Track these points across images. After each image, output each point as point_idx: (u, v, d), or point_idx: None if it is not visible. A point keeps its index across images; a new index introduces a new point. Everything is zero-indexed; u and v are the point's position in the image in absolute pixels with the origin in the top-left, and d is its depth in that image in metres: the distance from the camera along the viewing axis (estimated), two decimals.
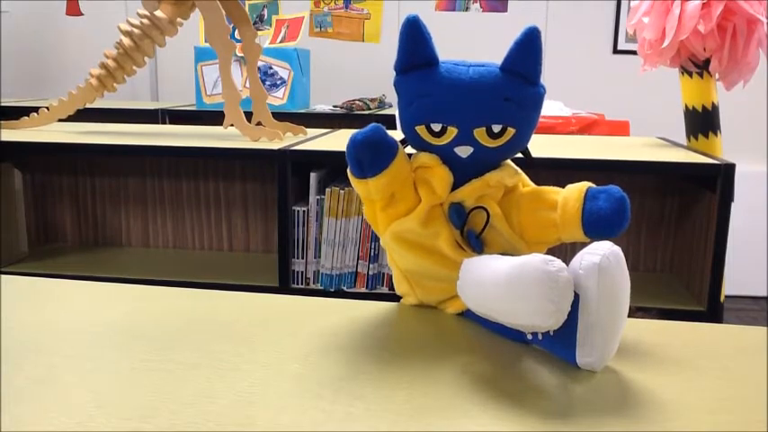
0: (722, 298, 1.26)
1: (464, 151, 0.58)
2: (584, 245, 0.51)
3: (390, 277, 1.35)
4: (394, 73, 0.60)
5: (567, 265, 0.48)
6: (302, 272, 1.39)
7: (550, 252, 0.53)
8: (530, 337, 0.53)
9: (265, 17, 2.64)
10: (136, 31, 1.40)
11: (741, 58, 1.38)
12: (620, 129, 2.16)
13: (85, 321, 0.58)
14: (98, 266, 1.50)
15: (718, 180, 1.20)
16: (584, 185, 0.57)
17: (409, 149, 0.61)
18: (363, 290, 1.39)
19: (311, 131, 1.59)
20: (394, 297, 0.65)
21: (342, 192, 1.35)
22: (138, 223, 1.64)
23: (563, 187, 0.59)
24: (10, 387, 0.46)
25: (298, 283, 1.39)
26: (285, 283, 1.36)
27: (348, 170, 0.58)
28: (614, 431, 0.42)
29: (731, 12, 1.34)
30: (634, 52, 1.60)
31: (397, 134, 0.63)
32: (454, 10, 3.01)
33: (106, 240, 1.66)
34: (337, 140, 1.49)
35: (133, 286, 0.68)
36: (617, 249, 0.49)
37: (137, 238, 1.65)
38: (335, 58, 3.04)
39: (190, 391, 0.45)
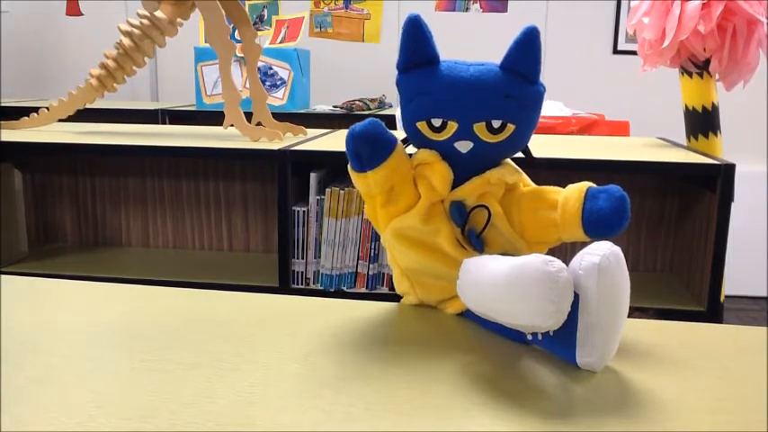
0: (722, 298, 1.26)
1: (464, 146, 0.58)
2: (584, 245, 0.51)
3: (390, 277, 1.36)
4: (394, 73, 0.61)
5: (567, 266, 0.48)
6: (302, 272, 1.39)
7: (550, 252, 0.53)
8: (530, 337, 0.53)
9: (265, 17, 2.64)
10: (136, 31, 1.40)
11: (741, 58, 1.38)
12: (620, 129, 2.16)
13: (85, 321, 0.58)
14: (98, 266, 1.50)
15: (718, 180, 1.20)
16: (584, 185, 0.57)
17: (410, 149, 0.61)
18: (363, 290, 1.39)
19: (311, 132, 1.59)
20: (394, 297, 0.65)
21: (342, 192, 1.35)
22: (138, 223, 1.64)
23: (563, 187, 0.59)
24: (10, 387, 0.46)
25: (298, 284, 1.39)
26: (285, 284, 1.36)
27: (348, 166, 0.59)
28: (614, 431, 0.42)
29: (731, 12, 1.34)
30: (634, 52, 1.60)
31: (397, 134, 0.63)
32: (454, 10, 3.01)
33: (106, 240, 1.66)
34: (337, 141, 1.49)
35: (133, 286, 0.68)
36: (617, 249, 0.49)
37: (137, 238, 1.65)
38: (335, 59, 3.04)
39: (190, 391, 0.45)
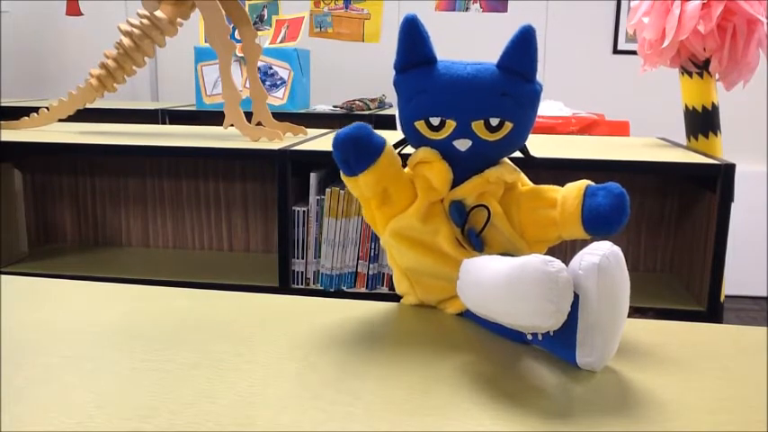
0: (722, 298, 1.26)
1: (463, 144, 0.58)
2: (584, 244, 0.51)
3: (390, 277, 1.36)
4: (394, 73, 0.61)
5: (567, 266, 0.48)
6: (302, 272, 1.39)
7: (550, 252, 0.53)
8: (530, 337, 0.53)
9: (265, 17, 2.64)
10: (136, 31, 1.40)
11: (741, 58, 1.38)
12: (620, 129, 2.16)
13: (85, 321, 0.58)
14: (98, 266, 1.50)
15: (718, 180, 1.20)
16: (583, 183, 0.58)
17: (409, 149, 0.61)
18: (363, 290, 1.39)
19: (311, 131, 1.59)
20: (394, 297, 0.65)
21: (342, 192, 1.35)
22: (138, 223, 1.64)
23: (562, 187, 0.59)
24: (10, 387, 0.46)
25: (298, 284, 1.39)
26: (285, 284, 1.36)
27: (341, 171, 0.59)
28: (614, 431, 0.42)
29: (731, 12, 1.34)
30: (634, 52, 1.60)
31: (397, 135, 0.63)
32: (454, 10, 3.01)
33: (106, 240, 1.66)
34: None
35: (133, 286, 0.68)
36: (617, 249, 0.49)
37: (137, 238, 1.65)
38: (335, 58, 3.04)
39: (190, 391, 0.45)
